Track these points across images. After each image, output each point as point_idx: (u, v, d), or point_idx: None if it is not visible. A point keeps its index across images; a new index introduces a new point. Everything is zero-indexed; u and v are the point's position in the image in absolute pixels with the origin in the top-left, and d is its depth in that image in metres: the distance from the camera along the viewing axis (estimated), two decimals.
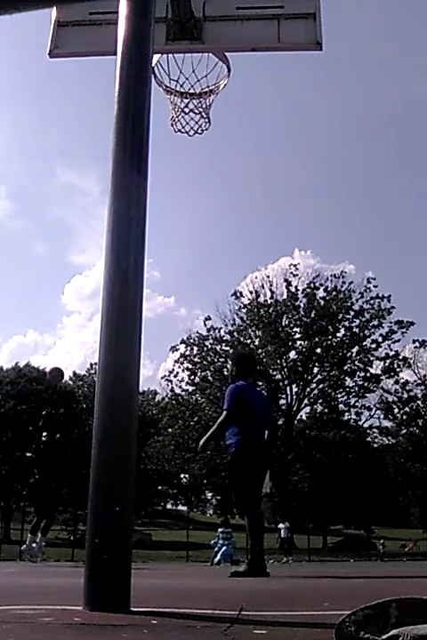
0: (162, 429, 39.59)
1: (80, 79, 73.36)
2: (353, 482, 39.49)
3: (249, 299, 36.84)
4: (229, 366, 5.92)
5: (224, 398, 5.56)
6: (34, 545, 8.89)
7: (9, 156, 76.16)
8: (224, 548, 15.17)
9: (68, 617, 1.69)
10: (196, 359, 37.12)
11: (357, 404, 36.97)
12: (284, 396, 37.62)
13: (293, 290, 36.01)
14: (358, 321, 36.04)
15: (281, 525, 25.87)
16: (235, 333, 36.89)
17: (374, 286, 35.72)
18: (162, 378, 38.51)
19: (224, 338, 37.08)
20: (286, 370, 36.67)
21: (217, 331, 37.00)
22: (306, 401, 37.85)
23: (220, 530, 16.53)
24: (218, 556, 15.47)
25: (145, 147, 2.32)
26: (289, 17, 3.88)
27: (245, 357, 6.38)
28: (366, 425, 38.48)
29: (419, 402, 37.73)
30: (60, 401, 39.37)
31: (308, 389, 37.43)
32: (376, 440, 42.05)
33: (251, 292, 36.80)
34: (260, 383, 36.80)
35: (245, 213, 80.00)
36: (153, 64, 3.83)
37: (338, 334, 36.54)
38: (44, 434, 9.43)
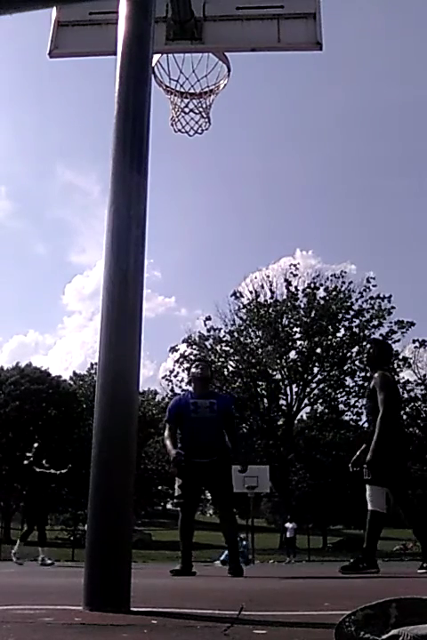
0: (162, 429, 39.57)
1: (80, 79, 73.33)
2: (353, 482, 39.45)
3: (249, 299, 36.88)
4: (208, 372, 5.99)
5: (230, 409, 5.84)
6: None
7: (9, 155, 76.17)
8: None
9: (68, 617, 1.69)
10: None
11: (357, 403, 36.97)
12: (284, 396, 37.65)
13: (293, 290, 36.05)
14: (358, 321, 36.09)
15: (288, 525, 25.84)
16: (235, 333, 36.90)
17: (374, 286, 35.84)
18: (162, 378, 38.56)
19: (224, 338, 37.10)
20: (285, 370, 36.67)
21: (217, 331, 37.06)
22: (306, 401, 37.87)
23: None
24: (222, 556, 15.51)
25: (145, 146, 2.32)
26: (289, 17, 3.87)
27: None
28: (366, 425, 38.47)
29: (419, 402, 37.72)
30: (61, 401, 39.49)
31: (308, 389, 37.44)
32: None
33: (251, 292, 36.86)
34: (260, 383, 36.87)
35: (247, 213, 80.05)
36: (153, 64, 3.83)
37: (338, 334, 36.59)
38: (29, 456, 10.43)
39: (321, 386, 37.40)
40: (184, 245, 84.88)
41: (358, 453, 5.37)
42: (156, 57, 4.27)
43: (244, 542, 16.26)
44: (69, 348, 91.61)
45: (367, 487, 5.08)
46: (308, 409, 39.20)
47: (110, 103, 2.35)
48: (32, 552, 12.03)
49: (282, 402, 37.73)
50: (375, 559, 5.19)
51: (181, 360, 37.12)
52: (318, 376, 37.07)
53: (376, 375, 5.18)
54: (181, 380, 37.32)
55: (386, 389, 5.08)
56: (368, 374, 5.37)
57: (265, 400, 37.55)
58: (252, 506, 20.04)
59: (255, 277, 37.14)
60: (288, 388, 37.37)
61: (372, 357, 5.48)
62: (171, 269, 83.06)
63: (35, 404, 38.44)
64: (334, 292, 36.01)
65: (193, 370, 5.77)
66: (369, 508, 5.02)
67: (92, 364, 48.23)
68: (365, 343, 36.02)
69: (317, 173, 73.78)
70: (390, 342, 31.61)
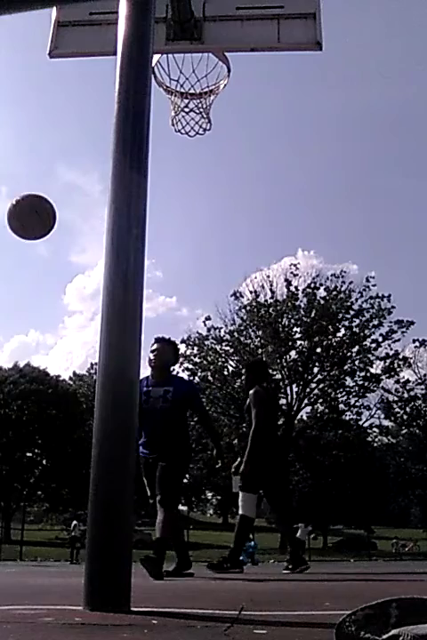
0: None
1: (80, 79, 73.29)
2: (353, 482, 39.47)
3: (249, 299, 36.87)
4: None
5: (191, 395, 5.10)
6: None
7: (9, 155, 76.20)
8: None
9: (68, 617, 1.69)
10: (196, 359, 37.13)
11: (357, 403, 36.99)
12: (284, 395, 37.61)
13: (293, 290, 36.04)
14: (358, 320, 36.07)
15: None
16: (235, 333, 36.89)
17: (373, 285, 35.83)
18: None
19: (224, 338, 37.09)
20: (286, 370, 36.64)
21: (217, 331, 37.06)
22: (306, 401, 37.82)
23: None
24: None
25: (145, 146, 2.32)
26: (289, 17, 3.88)
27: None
28: (366, 425, 38.51)
29: (420, 401, 37.74)
30: (61, 401, 39.49)
31: (308, 389, 37.40)
32: (376, 440, 42.07)
33: (251, 292, 36.84)
34: None
35: (248, 214, 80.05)
36: (153, 64, 3.83)
37: (338, 334, 36.55)
38: None
39: (321, 386, 37.38)
40: (186, 245, 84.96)
41: (238, 460, 5.79)
42: (156, 57, 4.28)
43: (253, 542, 16.34)
44: (70, 348, 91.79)
45: (240, 494, 5.54)
46: (308, 409, 39.19)
47: (110, 103, 2.35)
48: (32, 552, 12.04)
49: (282, 402, 37.71)
50: (240, 560, 5.70)
51: (180, 360, 37.13)
52: (319, 376, 37.04)
53: (251, 392, 5.73)
54: None
55: (258, 406, 5.62)
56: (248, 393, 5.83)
57: None
58: None
59: (256, 277, 37.18)
60: (288, 388, 37.35)
61: (248, 380, 6.08)
62: (172, 269, 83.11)
63: (35, 404, 38.44)
64: (334, 292, 35.98)
65: (149, 354, 5.07)
66: (240, 512, 5.49)
67: (92, 364, 48.24)
68: (365, 343, 36.13)
69: (318, 174, 73.81)
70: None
